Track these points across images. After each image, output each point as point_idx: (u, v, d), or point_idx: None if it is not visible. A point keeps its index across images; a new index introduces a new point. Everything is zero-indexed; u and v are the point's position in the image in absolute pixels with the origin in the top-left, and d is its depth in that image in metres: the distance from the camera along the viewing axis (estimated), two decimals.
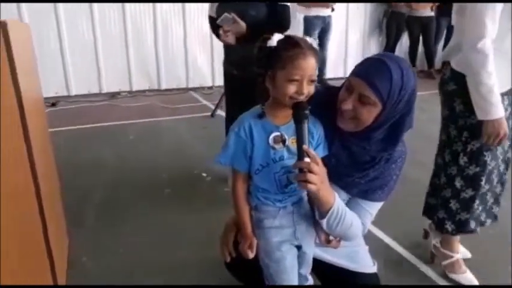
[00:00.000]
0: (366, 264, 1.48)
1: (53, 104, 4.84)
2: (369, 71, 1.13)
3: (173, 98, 5.30)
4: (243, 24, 2.31)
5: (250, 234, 1.27)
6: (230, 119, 2.73)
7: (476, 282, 1.89)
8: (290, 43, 1.11)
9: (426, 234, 2.11)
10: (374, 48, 6.75)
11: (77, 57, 5.17)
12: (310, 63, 1.10)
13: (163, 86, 5.68)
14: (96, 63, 5.29)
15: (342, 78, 6.28)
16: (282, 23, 2.44)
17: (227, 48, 2.59)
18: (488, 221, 1.90)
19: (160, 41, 5.51)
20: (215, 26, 2.45)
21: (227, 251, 1.41)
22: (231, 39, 2.35)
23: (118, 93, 5.42)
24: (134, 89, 5.54)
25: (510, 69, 1.60)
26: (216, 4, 2.49)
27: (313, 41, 1.15)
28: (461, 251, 1.98)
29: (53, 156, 2.07)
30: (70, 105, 4.90)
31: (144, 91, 5.56)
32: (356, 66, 1.18)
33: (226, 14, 2.30)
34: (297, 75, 1.09)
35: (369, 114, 1.14)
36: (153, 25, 5.44)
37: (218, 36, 2.44)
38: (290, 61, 1.08)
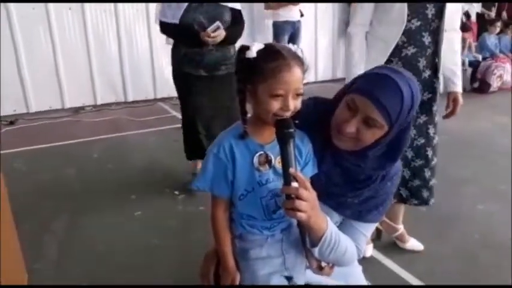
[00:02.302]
0: (361, 284, 1.35)
1: (11, 123, 4.60)
2: (376, 90, 0.97)
3: (141, 111, 5.11)
4: (223, 31, 2.55)
5: (232, 268, 1.13)
6: (189, 122, 2.81)
7: (421, 247, 2.12)
8: (271, 53, 0.97)
9: (379, 234, 2.27)
10: (344, 51, 6.73)
11: (36, 71, 4.87)
12: (295, 76, 0.96)
13: (130, 98, 5.46)
14: (56, 76, 5.00)
15: (313, 82, 6.25)
16: (243, 27, 2.76)
17: (197, 52, 2.64)
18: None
19: (125, 50, 5.28)
20: (180, 33, 2.60)
21: (207, 284, 1.26)
22: (218, 40, 2.55)
23: (82, 108, 5.18)
24: (99, 102, 5.29)
25: (381, 51, 1.85)
26: (171, 10, 2.58)
27: (297, 49, 1.01)
28: (414, 244, 2.16)
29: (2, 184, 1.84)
30: (30, 123, 4.63)
31: (109, 104, 5.32)
32: (359, 82, 1.03)
33: (218, 22, 2.53)
34: (280, 89, 0.95)
35: (373, 137, 1.01)
36: (117, 34, 5.22)
37: (185, 41, 2.63)
38: (272, 74, 0.95)
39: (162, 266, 2.05)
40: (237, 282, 1.13)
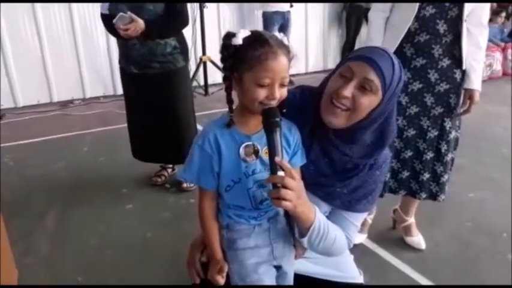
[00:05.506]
0: (353, 273, 1.37)
1: None
2: (371, 55, 1.01)
3: None
4: (141, 22, 2.26)
5: (220, 258, 1.13)
6: (131, 122, 2.78)
7: (423, 246, 2.08)
8: (257, 41, 0.96)
9: (394, 223, 2.28)
10: (334, 41, 6.72)
11: (22, 64, 4.77)
12: (281, 64, 0.95)
13: (119, 91, 5.34)
14: (44, 70, 4.92)
15: (304, 74, 6.23)
16: (181, 18, 2.45)
17: (124, 46, 2.48)
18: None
19: (113, 42, 5.16)
20: (110, 24, 2.37)
21: (195, 272, 1.25)
22: (133, 34, 2.27)
23: (70, 101, 5.09)
24: (88, 96, 5.21)
25: (393, 36, 1.84)
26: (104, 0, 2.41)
27: (283, 37, 1.00)
28: (414, 241, 2.13)
29: None
30: (18, 118, 4.55)
31: (98, 97, 5.24)
32: (353, 53, 1.07)
33: (122, 13, 2.24)
34: (266, 78, 0.94)
35: (369, 105, 1.01)
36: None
37: (114, 34, 2.39)
38: (258, 62, 0.94)
39: (155, 259, 2.04)
40: (225, 272, 1.12)
